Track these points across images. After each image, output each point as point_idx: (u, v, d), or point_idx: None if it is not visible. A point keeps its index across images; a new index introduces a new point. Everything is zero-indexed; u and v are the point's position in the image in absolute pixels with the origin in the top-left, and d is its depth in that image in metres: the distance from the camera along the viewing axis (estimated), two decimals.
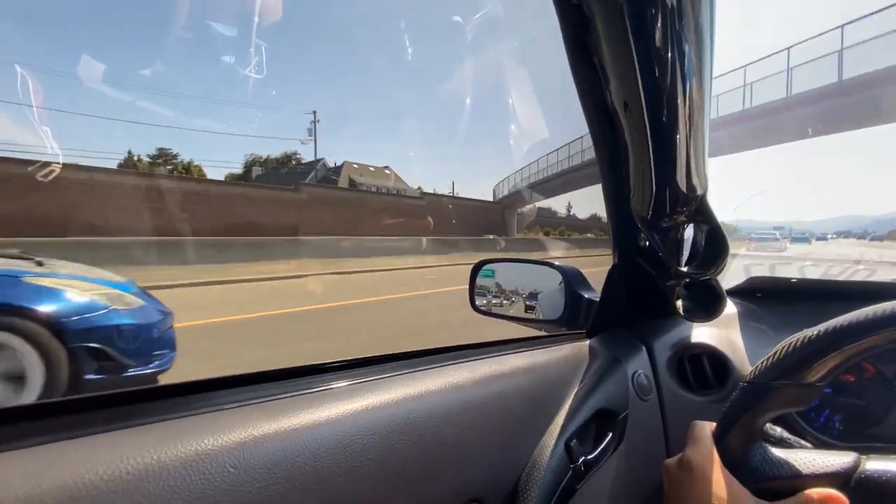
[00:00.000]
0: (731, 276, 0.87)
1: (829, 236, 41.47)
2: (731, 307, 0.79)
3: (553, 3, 0.49)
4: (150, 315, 2.39)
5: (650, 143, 0.51)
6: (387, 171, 26.67)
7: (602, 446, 0.56)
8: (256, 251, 9.87)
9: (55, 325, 2.04)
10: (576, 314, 0.75)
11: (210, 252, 8.99)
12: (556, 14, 0.51)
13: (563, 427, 0.53)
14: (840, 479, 0.39)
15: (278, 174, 25.31)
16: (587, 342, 0.68)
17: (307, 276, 9.04)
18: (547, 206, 30.33)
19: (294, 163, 27.31)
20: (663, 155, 0.52)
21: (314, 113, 22.95)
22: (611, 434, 0.57)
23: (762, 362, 0.44)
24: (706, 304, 0.65)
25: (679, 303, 0.68)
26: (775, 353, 0.43)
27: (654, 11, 0.40)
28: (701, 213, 0.58)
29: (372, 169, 26.67)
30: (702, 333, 0.73)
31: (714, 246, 0.60)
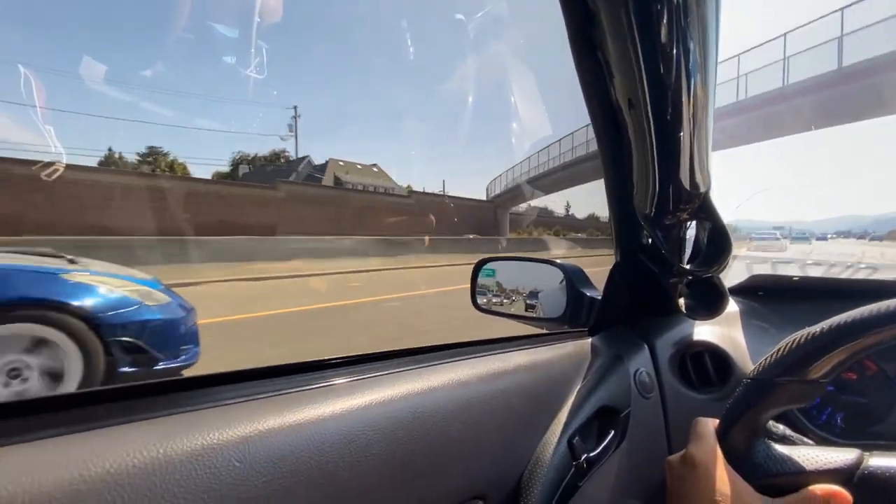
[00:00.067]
0: (732, 274, 0.86)
1: (830, 236, 41.78)
2: (733, 305, 0.80)
3: None
4: (176, 311, 2.42)
5: (654, 139, 0.51)
6: (374, 169, 26.15)
7: (604, 444, 0.56)
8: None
9: (92, 320, 2.08)
10: (578, 312, 0.75)
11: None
12: (560, 9, 0.51)
13: (566, 424, 0.54)
14: (843, 476, 0.39)
15: (264, 172, 24.78)
16: (589, 340, 0.69)
17: (204, 283, 6.75)
18: (542, 206, 29.83)
19: (282, 161, 26.85)
20: (667, 152, 0.52)
21: (294, 108, 22.47)
22: (613, 431, 0.58)
23: (766, 359, 0.44)
24: (708, 301, 0.66)
25: (681, 301, 0.69)
26: (779, 349, 0.44)
27: (659, 7, 0.41)
28: (704, 210, 0.59)
29: (359, 167, 26.17)
30: (704, 331, 0.74)
31: (717, 243, 0.61)
